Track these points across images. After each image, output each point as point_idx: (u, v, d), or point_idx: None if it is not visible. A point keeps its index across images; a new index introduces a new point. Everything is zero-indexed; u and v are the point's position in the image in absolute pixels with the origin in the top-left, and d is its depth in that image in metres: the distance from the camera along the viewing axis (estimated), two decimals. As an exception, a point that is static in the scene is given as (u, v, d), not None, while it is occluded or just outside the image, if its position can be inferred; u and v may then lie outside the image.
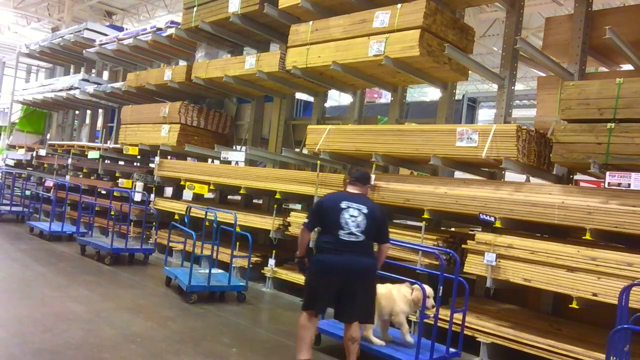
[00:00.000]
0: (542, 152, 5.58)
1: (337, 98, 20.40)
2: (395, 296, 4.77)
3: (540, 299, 5.79)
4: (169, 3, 18.75)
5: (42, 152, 14.57)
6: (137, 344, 4.81)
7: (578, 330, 5.16)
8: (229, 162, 9.23)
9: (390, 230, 6.30)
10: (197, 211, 8.00)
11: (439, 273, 4.82)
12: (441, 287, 4.54)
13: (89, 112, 15.21)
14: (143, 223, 8.88)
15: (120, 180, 10.75)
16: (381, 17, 6.30)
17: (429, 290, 4.56)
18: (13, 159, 16.28)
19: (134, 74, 11.12)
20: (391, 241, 5.87)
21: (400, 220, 7.58)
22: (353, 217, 4.15)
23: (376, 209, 4.30)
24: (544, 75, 7.00)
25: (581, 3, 6.17)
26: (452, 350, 4.64)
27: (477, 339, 5.16)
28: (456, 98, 8.04)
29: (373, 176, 4.59)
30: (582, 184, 6.76)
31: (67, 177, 12.75)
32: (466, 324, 4.94)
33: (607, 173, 4.79)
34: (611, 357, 3.48)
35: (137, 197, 9.75)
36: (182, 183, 9.32)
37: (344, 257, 4.08)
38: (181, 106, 9.55)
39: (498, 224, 5.24)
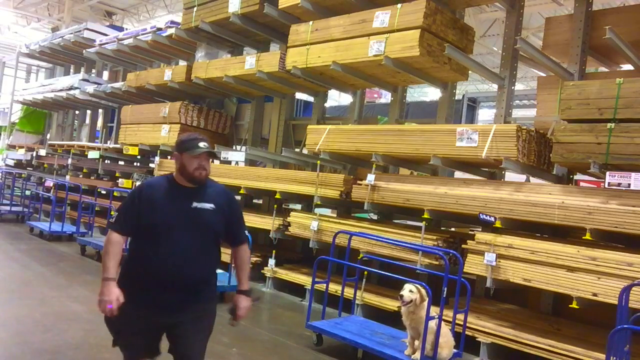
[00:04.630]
0: (542, 152, 5.58)
1: (337, 98, 20.39)
2: None
3: (540, 299, 5.79)
4: (169, 3, 18.74)
5: (42, 152, 14.58)
6: (137, 344, 4.80)
7: (578, 330, 5.16)
8: (229, 162, 9.23)
9: (390, 230, 6.38)
10: (197, 211, 7.98)
11: (439, 273, 4.83)
12: (445, 289, 4.53)
13: (89, 112, 15.21)
14: (143, 223, 8.85)
15: (120, 180, 10.75)
16: (381, 17, 6.30)
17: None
18: (13, 159, 16.27)
19: (134, 74, 11.12)
20: (391, 241, 5.93)
21: (400, 220, 7.58)
22: None
23: None
24: (544, 75, 7.00)
25: (581, 3, 6.17)
26: (454, 350, 4.64)
27: (477, 339, 5.16)
28: (456, 98, 8.04)
29: (204, 145, 2.87)
30: (582, 184, 6.75)
31: (67, 177, 12.75)
32: (467, 324, 4.93)
33: (607, 173, 4.79)
34: (611, 357, 3.48)
35: (137, 197, 9.74)
36: (182, 183, 9.30)
37: None
38: (181, 106, 9.54)
39: (498, 224, 5.24)
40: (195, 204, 2.84)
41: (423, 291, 4.48)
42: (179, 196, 2.84)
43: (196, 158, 2.82)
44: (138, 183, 10.08)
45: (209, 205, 2.87)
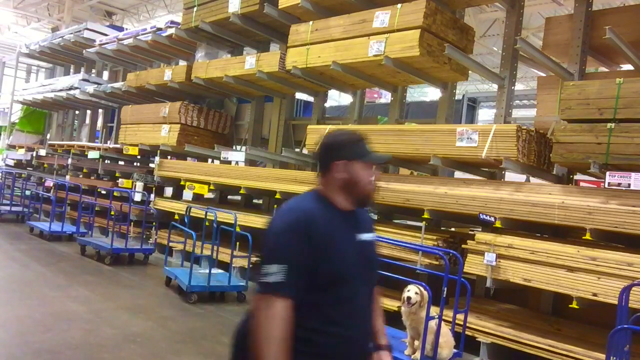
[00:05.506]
0: (542, 152, 5.58)
1: (337, 98, 20.38)
2: None
3: (540, 299, 5.79)
4: (169, 3, 18.72)
5: (42, 152, 14.57)
6: (137, 344, 4.81)
7: (578, 330, 5.16)
8: (229, 162, 9.23)
9: (390, 230, 6.37)
10: (197, 211, 8.00)
11: (439, 273, 4.83)
12: (445, 289, 4.54)
13: (89, 112, 15.21)
14: (143, 223, 8.87)
15: (120, 180, 10.75)
16: (381, 17, 6.30)
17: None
18: (13, 159, 16.28)
19: (134, 74, 11.13)
20: (391, 241, 5.92)
21: (400, 220, 7.58)
22: None
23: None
24: (544, 75, 7.00)
25: (581, 3, 6.17)
26: (454, 350, 4.64)
27: (477, 339, 5.16)
28: (456, 98, 8.04)
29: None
30: (582, 184, 6.76)
31: (67, 177, 12.75)
32: (467, 324, 4.93)
33: (607, 173, 4.79)
34: (611, 357, 3.48)
35: (137, 197, 9.76)
36: (182, 183, 9.32)
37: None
38: (181, 106, 9.55)
39: (498, 224, 5.24)
40: (358, 236, 1.92)
41: (425, 294, 4.49)
42: (345, 227, 1.89)
43: (369, 167, 1.92)
44: (138, 183, 10.07)
45: (370, 236, 1.99)
